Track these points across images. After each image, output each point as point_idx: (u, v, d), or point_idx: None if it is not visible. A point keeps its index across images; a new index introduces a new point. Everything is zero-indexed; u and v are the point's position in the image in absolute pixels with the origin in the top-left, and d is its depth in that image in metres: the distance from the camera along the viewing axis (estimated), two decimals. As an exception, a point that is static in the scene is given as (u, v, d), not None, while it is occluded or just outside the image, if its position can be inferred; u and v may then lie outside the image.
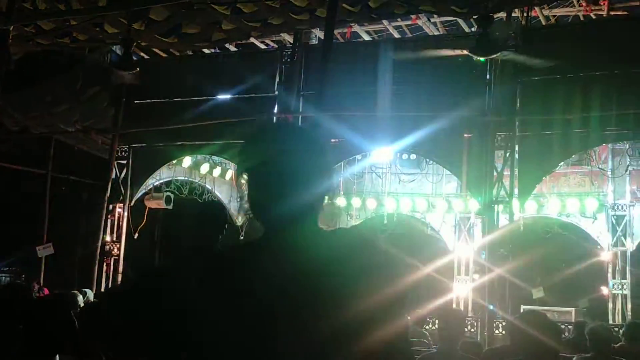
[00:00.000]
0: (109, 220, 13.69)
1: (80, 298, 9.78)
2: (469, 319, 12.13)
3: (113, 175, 13.77)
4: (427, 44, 12.41)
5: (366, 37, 14.87)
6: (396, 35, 14.57)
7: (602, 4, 13.26)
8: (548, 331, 5.15)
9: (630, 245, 14.02)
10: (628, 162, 13.97)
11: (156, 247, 17.99)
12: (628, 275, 13.83)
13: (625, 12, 13.31)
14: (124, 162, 13.92)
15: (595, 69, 10.92)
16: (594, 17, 13.52)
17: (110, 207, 13.72)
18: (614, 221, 14.21)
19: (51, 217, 15.84)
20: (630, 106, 10.45)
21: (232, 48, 14.79)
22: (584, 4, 13.62)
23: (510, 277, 11.04)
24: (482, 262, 11.74)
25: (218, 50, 14.57)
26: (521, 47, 11.05)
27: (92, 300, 10.03)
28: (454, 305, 14.89)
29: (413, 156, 14.97)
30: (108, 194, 13.67)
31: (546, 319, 5.30)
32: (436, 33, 14.34)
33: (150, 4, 11.00)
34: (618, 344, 7.80)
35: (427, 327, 10.81)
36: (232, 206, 16.48)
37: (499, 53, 10.07)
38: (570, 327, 10.80)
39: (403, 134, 11.79)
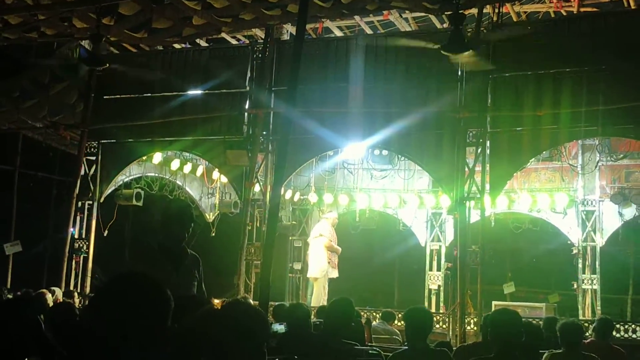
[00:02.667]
0: (78, 217, 13.52)
1: (49, 297, 9.65)
2: (440, 314, 12.17)
3: (82, 172, 13.58)
4: (398, 40, 12.40)
5: (338, 33, 14.82)
6: (368, 30, 14.55)
7: (572, 0, 13.33)
8: (521, 330, 5.16)
9: (599, 241, 14.13)
10: (598, 158, 14.06)
11: (126, 244, 17.82)
12: (598, 271, 13.94)
13: (595, 9, 13.39)
14: (93, 158, 13.74)
15: (564, 65, 10.99)
16: (564, 13, 13.60)
17: (80, 203, 13.55)
18: (584, 216, 14.31)
19: (19, 214, 15.63)
20: (599, 103, 10.52)
21: (203, 43, 14.67)
22: (554, 0, 13.68)
23: (481, 273, 11.09)
24: (453, 258, 11.77)
25: (189, 46, 14.44)
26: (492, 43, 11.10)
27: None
28: (426, 302, 14.92)
29: (385, 152, 14.96)
30: (77, 190, 13.50)
31: (518, 317, 5.31)
32: (408, 29, 14.32)
33: (119, -1, 10.88)
34: (588, 340, 7.85)
35: (398, 324, 10.81)
36: (203, 202, 16.38)
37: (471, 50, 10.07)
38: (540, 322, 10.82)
39: (375, 130, 11.79)
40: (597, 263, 13.99)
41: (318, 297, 13.94)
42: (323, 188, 16.40)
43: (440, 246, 15.56)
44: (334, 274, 14.54)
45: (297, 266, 15.88)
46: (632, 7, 12.69)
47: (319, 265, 14.30)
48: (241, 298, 9.90)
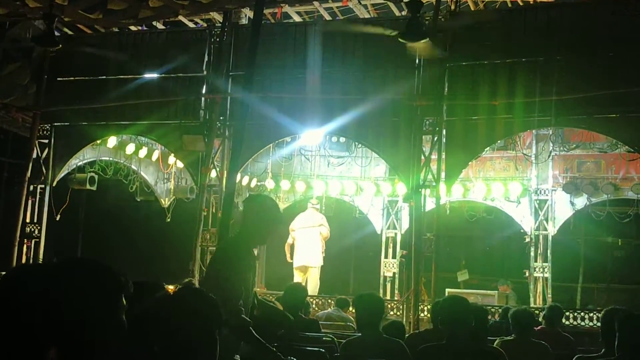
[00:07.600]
0: (29, 201, 13.27)
1: (-3, 282, 9.46)
2: (394, 302, 12.25)
3: (34, 155, 13.32)
4: (357, 26, 12.37)
5: (297, 18, 14.76)
6: (327, 17, 14.50)
7: (530, -10, 13.45)
8: (470, 316, 5.21)
9: (551, 230, 14.35)
10: (551, 148, 14.27)
11: (79, 229, 17.58)
12: (549, 259, 14.17)
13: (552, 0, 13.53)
14: (46, 141, 13.47)
15: (520, 55, 11.07)
16: (521, 3, 13.71)
17: (31, 187, 13.30)
18: (537, 205, 14.52)
19: (-32, 197, 15.31)
20: (553, 93, 10.63)
21: (160, 26, 14.47)
22: (512, -11, 13.79)
23: (435, 260, 11.16)
24: (408, 245, 11.83)
25: (145, 28, 14.23)
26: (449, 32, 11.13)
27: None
28: (381, 289, 15.03)
29: (342, 139, 14.98)
30: (29, 174, 13.24)
31: (467, 303, 5.36)
32: (367, 16, 14.31)
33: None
34: (539, 327, 7.98)
35: (353, 311, 10.82)
36: (158, 188, 16.21)
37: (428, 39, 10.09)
38: (499, 310, 10.95)
39: (332, 117, 11.76)
40: (549, 251, 14.23)
41: (316, 286, 14.19)
42: (280, 174, 16.38)
43: (395, 234, 15.67)
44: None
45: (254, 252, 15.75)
46: (588, -1, 12.83)
47: (318, 255, 14.46)
48: (187, 281, 9.81)
